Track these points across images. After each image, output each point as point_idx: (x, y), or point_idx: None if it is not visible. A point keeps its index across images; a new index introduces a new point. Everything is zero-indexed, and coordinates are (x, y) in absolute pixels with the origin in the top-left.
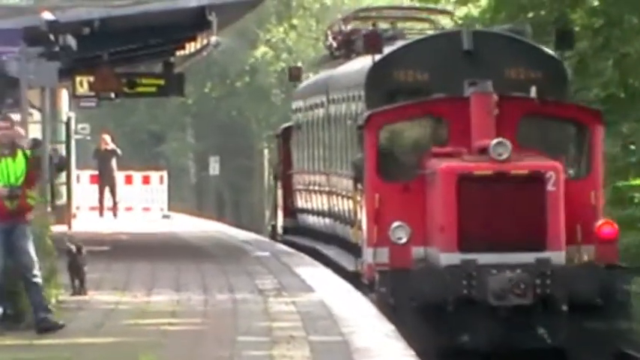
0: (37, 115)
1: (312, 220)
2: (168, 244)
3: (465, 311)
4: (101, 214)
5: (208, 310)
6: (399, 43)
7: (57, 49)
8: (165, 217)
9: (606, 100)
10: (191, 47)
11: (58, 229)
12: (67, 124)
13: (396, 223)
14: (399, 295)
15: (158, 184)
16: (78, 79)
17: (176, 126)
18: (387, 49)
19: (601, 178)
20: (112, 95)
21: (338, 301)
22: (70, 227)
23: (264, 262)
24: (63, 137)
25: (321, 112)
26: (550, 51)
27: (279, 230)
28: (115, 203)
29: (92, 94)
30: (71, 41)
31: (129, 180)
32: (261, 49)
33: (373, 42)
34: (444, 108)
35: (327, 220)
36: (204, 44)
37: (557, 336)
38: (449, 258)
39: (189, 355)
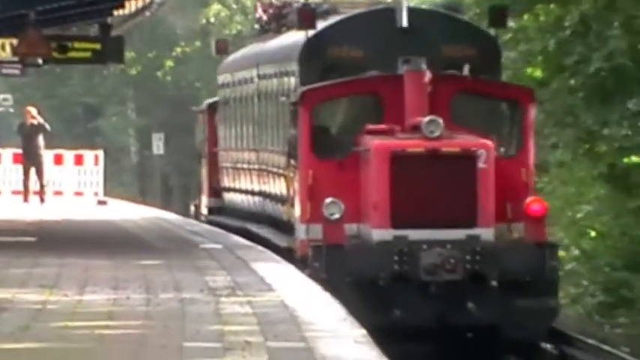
0: None
1: (239, 198)
2: (105, 235)
3: (397, 287)
4: (26, 199)
5: (151, 312)
6: (334, 18)
7: None
8: (101, 203)
9: (611, 72)
10: (131, 6)
11: None
12: None
13: (329, 200)
14: (333, 270)
15: (93, 164)
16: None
17: (115, 98)
18: (321, 24)
19: (532, 156)
20: (40, 61)
21: (301, 302)
22: None
23: (215, 256)
24: None
25: (250, 87)
26: (484, 29)
27: (204, 210)
28: (42, 187)
29: (16, 59)
30: None
31: (59, 160)
32: (214, 8)
33: (307, 17)
34: (378, 85)
35: (257, 199)
36: (147, 2)
37: (487, 312)
38: (381, 234)
39: None
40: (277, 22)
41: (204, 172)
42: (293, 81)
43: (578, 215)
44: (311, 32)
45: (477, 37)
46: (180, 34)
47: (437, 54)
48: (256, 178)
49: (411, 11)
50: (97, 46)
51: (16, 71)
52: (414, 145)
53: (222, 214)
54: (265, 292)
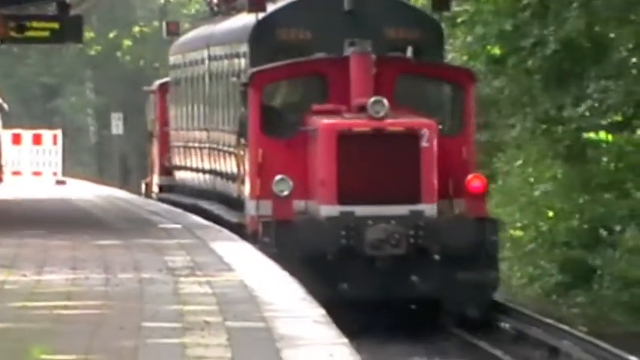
0: None
1: (190, 176)
2: (63, 215)
3: (344, 261)
4: None
5: (109, 292)
6: (283, 2)
7: None
8: (60, 183)
9: (568, 53)
10: None
11: None
12: None
13: (278, 177)
14: (282, 245)
15: (51, 144)
16: None
17: (74, 78)
18: (271, 7)
19: (473, 135)
20: None
21: (260, 282)
22: None
23: (174, 236)
24: None
25: (201, 68)
26: (427, 12)
27: (155, 188)
28: None
29: None
30: None
31: (17, 140)
32: None
33: (257, 0)
34: (324, 67)
35: (208, 177)
36: None
37: (430, 284)
38: (328, 210)
39: (87, 345)
40: (227, 5)
41: (155, 150)
42: (243, 62)
43: (536, 194)
44: (261, 15)
45: (420, 20)
46: (139, 14)
47: (380, 36)
48: (207, 156)
49: None
50: (56, 25)
51: None
52: (360, 124)
53: (173, 191)
54: (224, 271)
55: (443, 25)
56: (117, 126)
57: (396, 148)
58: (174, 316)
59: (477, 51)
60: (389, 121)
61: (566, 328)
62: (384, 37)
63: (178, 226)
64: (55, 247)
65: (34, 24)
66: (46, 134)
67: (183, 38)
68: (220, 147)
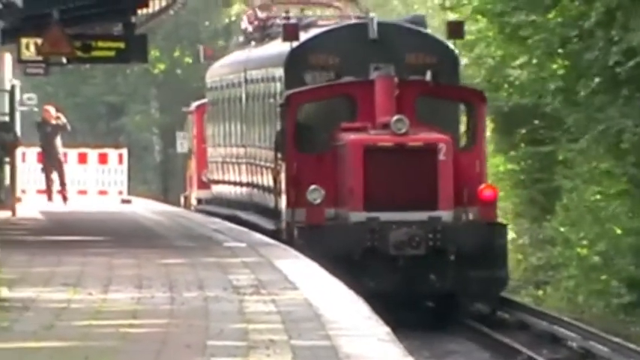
0: None
1: (227, 189)
2: (128, 233)
3: (369, 260)
4: (49, 198)
5: (175, 310)
6: (314, 31)
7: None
8: (125, 201)
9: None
10: (155, 5)
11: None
12: (11, 93)
13: (312, 187)
14: (315, 247)
15: (117, 163)
16: (24, 41)
17: (139, 97)
18: (303, 36)
19: (484, 149)
20: (64, 60)
21: (325, 301)
22: (14, 213)
23: (239, 254)
24: (6, 109)
25: (238, 90)
26: (443, 39)
27: (193, 201)
28: (63, 186)
29: (40, 58)
30: None
31: (83, 159)
32: (237, 7)
33: (291, 30)
34: (352, 89)
35: (244, 189)
36: (171, 1)
37: (446, 281)
38: (356, 216)
39: None
40: (261, 33)
41: (193, 166)
42: (279, 85)
43: (603, 212)
44: (294, 43)
45: (437, 47)
46: (203, 32)
47: (402, 62)
48: (244, 170)
49: (380, 25)
50: (121, 44)
51: (40, 70)
52: (384, 140)
53: (211, 204)
54: (289, 290)
55: (457, 50)
56: (182, 144)
57: (416, 161)
58: (240, 334)
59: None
60: (410, 136)
61: (632, 346)
62: (405, 63)
63: (242, 244)
64: (121, 266)
65: (100, 43)
66: (112, 153)
67: (219, 62)
68: (257, 162)
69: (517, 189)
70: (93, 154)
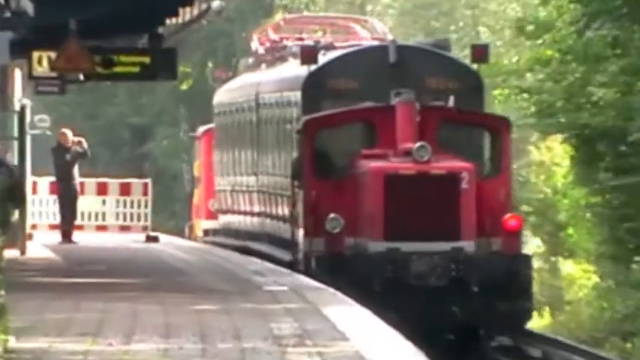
0: None
1: (237, 219)
2: (154, 275)
3: (390, 291)
4: (65, 235)
5: None
6: (332, 54)
7: (8, 14)
8: (151, 239)
9: None
10: (186, 14)
11: (7, 254)
12: (21, 114)
13: (331, 215)
14: (334, 277)
15: (141, 194)
16: (36, 55)
17: (166, 119)
18: (321, 59)
19: (509, 178)
20: (81, 77)
21: (379, 353)
22: (23, 252)
23: (281, 300)
24: (15, 132)
25: (249, 115)
26: (467, 63)
27: (199, 232)
28: (71, 222)
29: (54, 75)
30: (27, 5)
31: (102, 190)
32: (279, 16)
33: (310, 53)
34: (372, 115)
35: (256, 219)
36: (203, 10)
37: (468, 314)
38: (376, 246)
39: None
40: (273, 55)
41: (200, 195)
42: (295, 110)
43: None
44: (313, 66)
45: (460, 71)
46: (239, 44)
47: (423, 86)
48: (256, 199)
49: (400, 48)
50: (147, 59)
51: (55, 88)
52: (405, 167)
53: (219, 234)
54: (338, 340)
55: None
56: (188, 181)
57: (438, 190)
58: None
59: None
60: (432, 164)
61: None
62: (426, 87)
63: (285, 288)
64: (145, 312)
65: (123, 58)
66: (136, 183)
67: (228, 85)
68: (271, 190)
69: (601, 226)
70: (114, 184)
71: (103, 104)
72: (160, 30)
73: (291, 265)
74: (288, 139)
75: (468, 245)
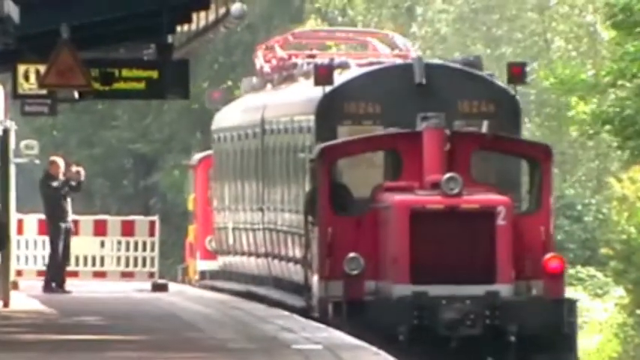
0: None
1: (239, 260)
2: (162, 331)
3: (417, 341)
4: (57, 282)
5: None
6: (350, 74)
7: None
8: (158, 287)
9: None
10: (200, 20)
11: None
12: (4, 139)
13: (351, 255)
14: (354, 326)
15: (146, 235)
16: (21, 68)
17: (177, 145)
18: (337, 79)
19: (550, 213)
20: (76, 95)
21: None
22: (6, 304)
23: None
24: None
25: (253, 142)
26: (503, 84)
27: (195, 274)
28: (62, 267)
29: (44, 92)
30: (12, 9)
31: (100, 229)
32: (310, 23)
33: (325, 73)
34: (396, 142)
35: (261, 260)
36: (221, 15)
37: None
38: (401, 289)
39: None
40: (280, 74)
41: (195, 232)
42: (307, 136)
43: None
44: (328, 87)
45: (495, 93)
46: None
47: (454, 110)
48: (261, 238)
49: (428, 67)
50: (154, 73)
51: (44, 109)
52: (433, 202)
53: (218, 277)
54: None
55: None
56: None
57: (470, 226)
58: None
59: None
60: (464, 198)
61: None
62: (457, 111)
63: (318, 346)
64: None
65: (125, 72)
66: (140, 222)
67: (228, 108)
68: (279, 227)
69: None
70: (114, 222)
71: (101, 128)
72: (170, 39)
73: (304, 313)
74: (299, 170)
75: (505, 289)
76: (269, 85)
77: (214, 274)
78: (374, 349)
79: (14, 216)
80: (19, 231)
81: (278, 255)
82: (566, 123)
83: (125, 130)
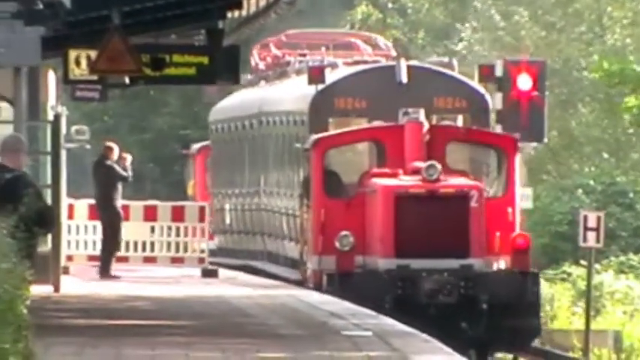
0: (6, 110)
1: (236, 239)
2: (211, 316)
3: (400, 308)
4: (104, 268)
5: None
6: (340, 73)
7: (40, 6)
8: (209, 273)
9: None
10: (250, 6)
11: (38, 291)
12: (55, 125)
13: (343, 233)
14: (345, 295)
15: (196, 220)
16: (72, 54)
17: None
18: (329, 78)
19: (517, 196)
20: (126, 81)
21: None
22: (57, 289)
23: (362, 347)
24: (47, 146)
25: (250, 132)
26: (474, 83)
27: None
28: (111, 251)
29: (94, 78)
30: None
31: (151, 214)
32: (362, 9)
33: (317, 73)
34: (381, 134)
35: (258, 238)
36: (272, 1)
37: (478, 330)
38: (387, 263)
39: None
40: (274, 71)
41: None
42: (302, 129)
43: None
44: (320, 86)
45: (467, 91)
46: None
47: (431, 105)
48: (257, 218)
49: (409, 68)
50: (205, 59)
51: (95, 94)
52: (415, 186)
53: (217, 255)
54: None
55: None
56: None
57: (447, 208)
58: None
59: None
60: (441, 183)
61: None
62: (434, 106)
63: (368, 333)
64: None
65: (176, 58)
66: (190, 207)
67: (226, 102)
68: (275, 209)
69: None
70: (164, 208)
71: (151, 113)
72: (221, 24)
73: (300, 284)
74: (294, 158)
75: (477, 263)
76: (262, 82)
77: (214, 252)
78: (424, 335)
79: (65, 201)
80: (70, 216)
81: (274, 233)
82: (619, 110)
83: (176, 117)
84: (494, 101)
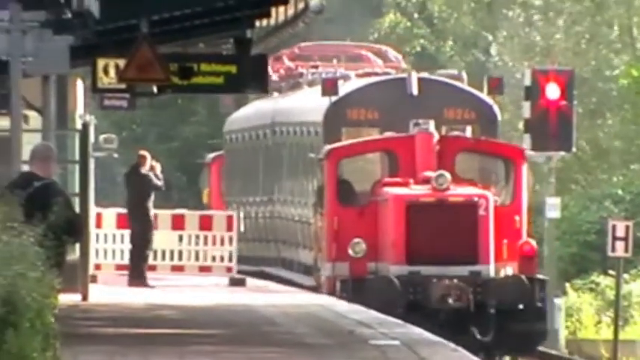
0: (35, 119)
1: (251, 246)
2: (239, 325)
3: (412, 313)
4: (138, 277)
5: None
6: (352, 85)
7: (69, 15)
8: (236, 282)
9: None
10: (279, 15)
11: (66, 299)
12: (83, 133)
13: (356, 240)
14: (358, 300)
15: (224, 229)
16: (101, 63)
17: None
18: (342, 89)
19: (524, 205)
20: (155, 90)
21: None
22: (85, 297)
23: (391, 356)
24: (76, 155)
25: (264, 142)
26: (483, 95)
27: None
28: (141, 260)
29: (123, 87)
30: (92, 3)
31: (178, 223)
32: (389, 18)
33: (331, 85)
34: (393, 144)
35: (272, 245)
36: (300, 10)
37: (486, 334)
38: (398, 270)
39: None
40: (287, 83)
41: None
42: (316, 139)
43: None
44: (333, 97)
45: (476, 102)
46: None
47: (441, 116)
48: (271, 225)
49: (420, 80)
50: (233, 68)
51: (123, 103)
52: (425, 195)
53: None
54: None
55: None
56: None
57: (456, 216)
58: None
59: None
60: (450, 192)
61: None
62: (444, 117)
63: (396, 342)
64: None
65: (204, 67)
66: (218, 216)
67: (241, 113)
68: (289, 217)
69: None
70: (192, 217)
71: (179, 122)
72: (249, 34)
73: (314, 290)
74: (307, 167)
75: (485, 269)
76: (275, 93)
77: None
78: (452, 345)
79: (93, 210)
80: (98, 225)
81: (288, 241)
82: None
83: (203, 125)
84: (523, 110)
